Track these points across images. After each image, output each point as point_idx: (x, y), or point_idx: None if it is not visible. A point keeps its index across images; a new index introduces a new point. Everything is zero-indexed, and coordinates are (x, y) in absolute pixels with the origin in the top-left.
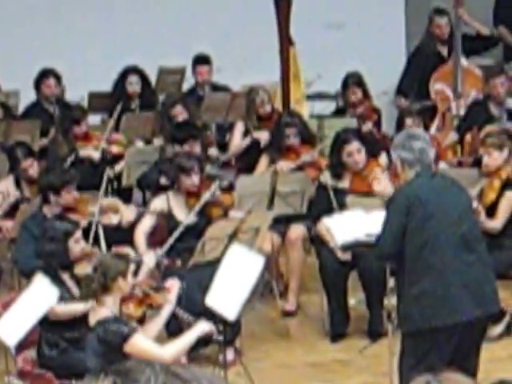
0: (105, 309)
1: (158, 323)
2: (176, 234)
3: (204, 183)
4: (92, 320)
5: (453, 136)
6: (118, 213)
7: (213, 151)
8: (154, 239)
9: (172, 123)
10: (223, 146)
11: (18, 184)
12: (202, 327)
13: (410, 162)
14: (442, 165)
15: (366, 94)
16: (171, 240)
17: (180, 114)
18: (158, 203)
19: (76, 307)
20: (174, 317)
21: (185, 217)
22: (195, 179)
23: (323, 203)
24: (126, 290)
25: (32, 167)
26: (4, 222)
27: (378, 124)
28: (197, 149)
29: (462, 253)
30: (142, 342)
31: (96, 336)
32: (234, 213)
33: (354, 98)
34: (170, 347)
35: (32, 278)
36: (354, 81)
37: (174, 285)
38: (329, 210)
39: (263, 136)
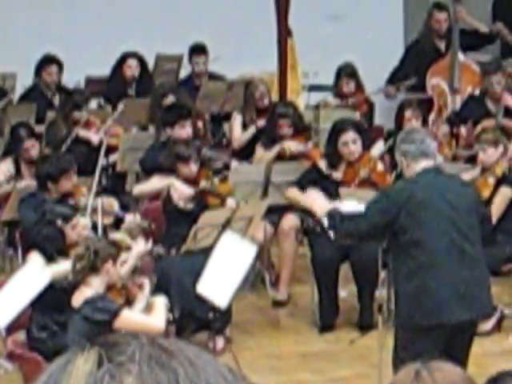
0: (90, 289)
1: None
2: None
3: (201, 171)
4: (76, 301)
5: (444, 129)
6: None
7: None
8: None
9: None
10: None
11: (16, 166)
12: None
13: (414, 155)
14: (439, 158)
15: (360, 86)
16: None
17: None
18: (161, 181)
19: (63, 265)
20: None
21: (182, 203)
22: (193, 167)
23: (309, 179)
24: (114, 276)
25: (34, 148)
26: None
27: (370, 116)
28: (188, 129)
29: (455, 255)
30: (133, 316)
31: (83, 316)
32: (231, 202)
33: (347, 90)
34: (158, 316)
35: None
36: (346, 72)
37: (145, 284)
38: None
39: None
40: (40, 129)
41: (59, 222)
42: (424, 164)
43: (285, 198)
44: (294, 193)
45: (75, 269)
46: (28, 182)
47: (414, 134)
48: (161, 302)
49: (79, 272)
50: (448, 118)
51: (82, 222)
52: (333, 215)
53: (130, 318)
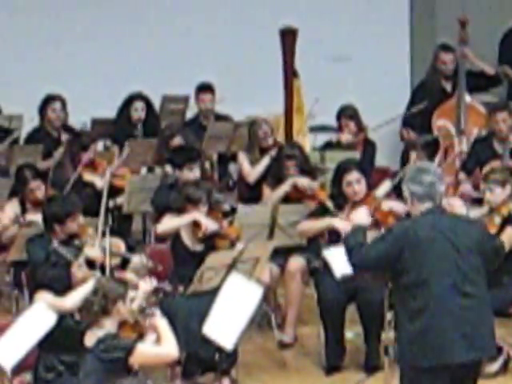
0: (102, 330)
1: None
2: None
3: (211, 213)
4: (89, 341)
5: (461, 176)
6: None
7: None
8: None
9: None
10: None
11: (22, 207)
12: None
13: (420, 196)
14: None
15: (360, 127)
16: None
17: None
18: (185, 217)
19: (81, 289)
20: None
21: (192, 245)
22: (203, 210)
23: (318, 217)
24: (125, 314)
25: (39, 189)
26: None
27: (371, 156)
28: (196, 171)
29: (458, 296)
30: (147, 349)
31: (96, 356)
32: (240, 246)
33: (347, 131)
34: (168, 343)
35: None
36: (346, 114)
37: (156, 313)
38: None
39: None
40: (46, 164)
41: (71, 258)
42: (429, 205)
43: (299, 234)
44: (308, 223)
45: (87, 314)
46: (32, 217)
47: (424, 176)
48: (164, 325)
49: (91, 317)
50: (462, 164)
51: (94, 254)
52: (356, 233)
53: (144, 351)
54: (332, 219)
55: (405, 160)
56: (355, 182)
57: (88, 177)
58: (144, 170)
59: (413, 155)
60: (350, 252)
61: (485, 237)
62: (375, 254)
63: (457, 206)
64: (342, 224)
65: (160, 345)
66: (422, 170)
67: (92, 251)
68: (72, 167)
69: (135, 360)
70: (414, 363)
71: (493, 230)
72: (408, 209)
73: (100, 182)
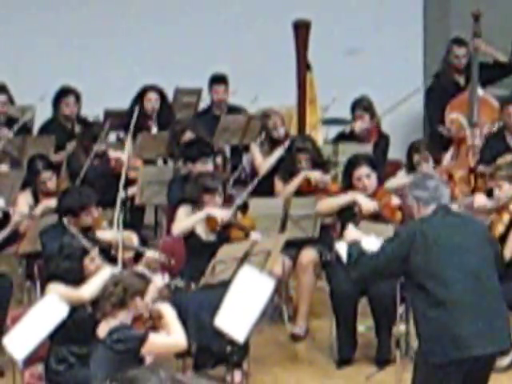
0: (115, 321)
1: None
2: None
3: (225, 204)
4: (102, 331)
5: (481, 169)
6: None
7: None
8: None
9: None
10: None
11: (34, 198)
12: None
13: (426, 200)
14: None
15: (374, 119)
16: None
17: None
18: (198, 214)
19: (97, 278)
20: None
21: (205, 236)
22: (218, 200)
23: None
24: (142, 309)
25: (51, 180)
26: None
27: (384, 149)
28: (209, 166)
29: (472, 290)
30: (157, 339)
31: (108, 346)
32: (255, 235)
33: (360, 123)
34: (177, 333)
35: None
36: (361, 105)
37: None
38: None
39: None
40: (58, 157)
41: (86, 247)
42: (434, 207)
43: (317, 213)
44: (328, 200)
45: (104, 304)
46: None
47: (428, 181)
48: (171, 315)
49: (107, 307)
50: (478, 160)
51: (107, 236)
52: (354, 247)
53: (155, 341)
54: (355, 193)
55: (410, 159)
56: (365, 177)
57: (113, 154)
58: (160, 163)
59: (416, 157)
60: (356, 266)
61: (490, 235)
62: (387, 255)
63: (482, 203)
64: (364, 200)
65: (169, 334)
66: (426, 176)
67: (105, 233)
68: (85, 159)
69: (146, 350)
70: (432, 359)
71: (501, 227)
72: (414, 215)
73: (125, 156)
